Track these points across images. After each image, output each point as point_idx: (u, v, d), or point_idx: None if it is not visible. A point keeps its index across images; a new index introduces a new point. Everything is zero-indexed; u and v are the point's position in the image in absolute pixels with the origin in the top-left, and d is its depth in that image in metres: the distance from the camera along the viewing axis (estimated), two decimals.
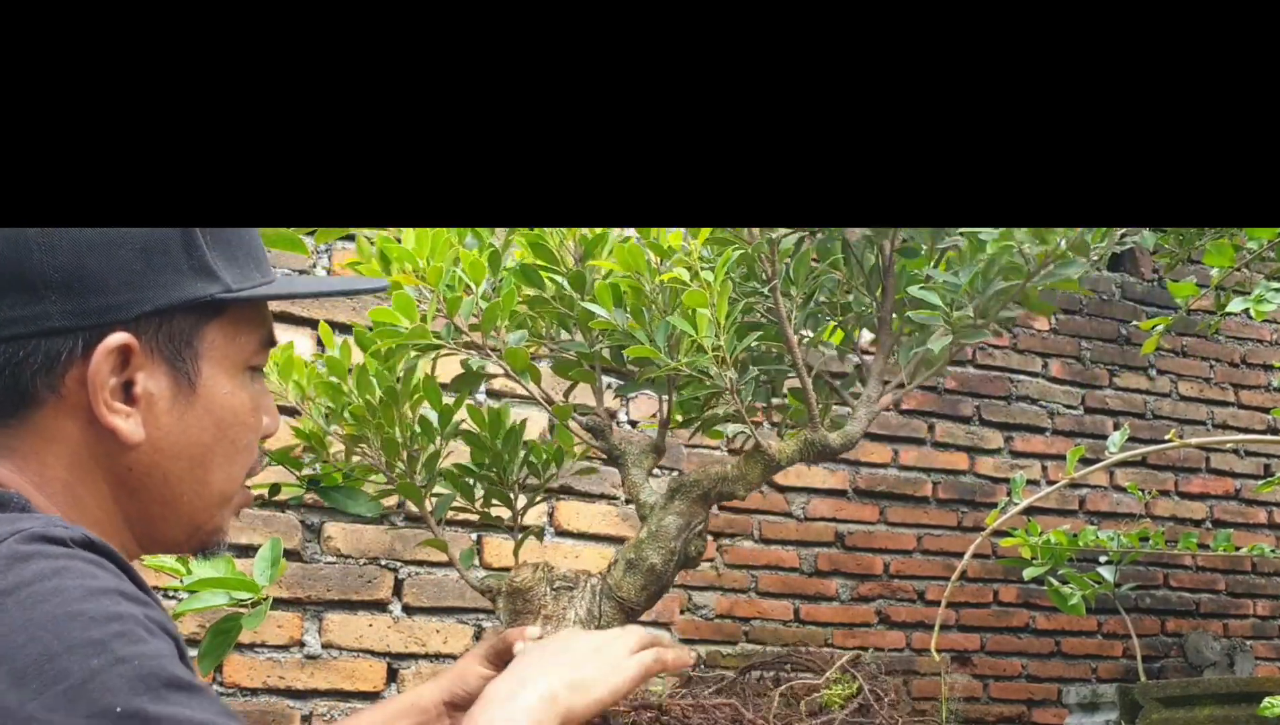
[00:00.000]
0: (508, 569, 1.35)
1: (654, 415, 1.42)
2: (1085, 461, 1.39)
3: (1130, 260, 3.72)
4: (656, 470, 2.71)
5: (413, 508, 2.43)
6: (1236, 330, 3.72)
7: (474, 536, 2.51)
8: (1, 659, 0.64)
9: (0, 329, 0.79)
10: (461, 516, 2.48)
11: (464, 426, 1.34)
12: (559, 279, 1.27)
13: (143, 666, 0.66)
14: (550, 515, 2.55)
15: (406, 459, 1.33)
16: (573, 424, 1.37)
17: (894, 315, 1.37)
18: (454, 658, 2.46)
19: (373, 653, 2.38)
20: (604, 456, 1.42)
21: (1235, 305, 1.29)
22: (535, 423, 2.48)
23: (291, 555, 2.30)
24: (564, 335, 1.35)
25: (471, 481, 1.39)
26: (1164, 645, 3.52)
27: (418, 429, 1.32)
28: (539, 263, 1.27)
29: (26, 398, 0.80)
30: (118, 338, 0.80)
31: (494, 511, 1.43)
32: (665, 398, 1.35)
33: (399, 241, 1.21)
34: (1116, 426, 3.46)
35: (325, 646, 2.33)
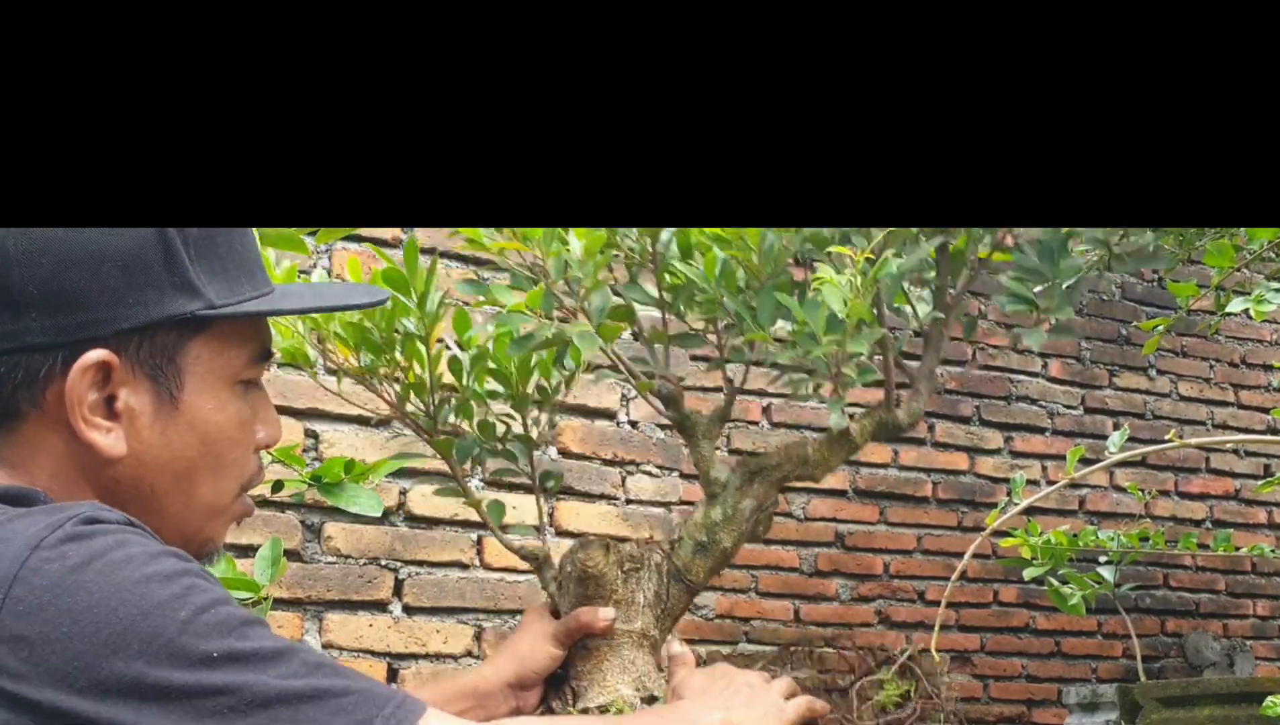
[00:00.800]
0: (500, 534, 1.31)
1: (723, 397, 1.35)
2: (1085, 461, 1.39)
3: None
4: (656, 469, 2.71)
5: (412, 508, 2.44)
6: (1236, 330, 3.72)
7: (474, 537, 2.51)
8: (98, 626, 0.70)
9: None
10: (463, 516, 2.48)
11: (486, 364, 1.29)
12: (643, 241, 1.21)
13: (220, 611, 0.73)
14: (550, 515, 2.55)
15: (435, 403, 1.27)
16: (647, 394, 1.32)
17: (954, 289, 1.32)
18: (454, 658, 2.46)
19: (373, 653, 2.38)
20: (670, 424, 1.37)
21: (1235, 305, 1.29)
22: None
23: (291, 555, 2.30)
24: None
25: (489, 418, 1.33)
26: (1164, 645, 3.52)
27: (440, 369, 1.26)
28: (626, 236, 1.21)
29: (10, 411, 0.82)
30: (94, 355, 0.81)
31: (509, 445, 1.36)
32: (743, 369, 1.30)
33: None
34: (1116, 426, 3.46)
35: (325, 646, 2.33)
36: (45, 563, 0.71)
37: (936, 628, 1.43)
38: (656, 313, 1.27)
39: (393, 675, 2.40)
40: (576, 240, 1.15)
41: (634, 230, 1.21)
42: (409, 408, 1.28)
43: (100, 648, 0.69)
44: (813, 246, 1.21)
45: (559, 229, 1.16)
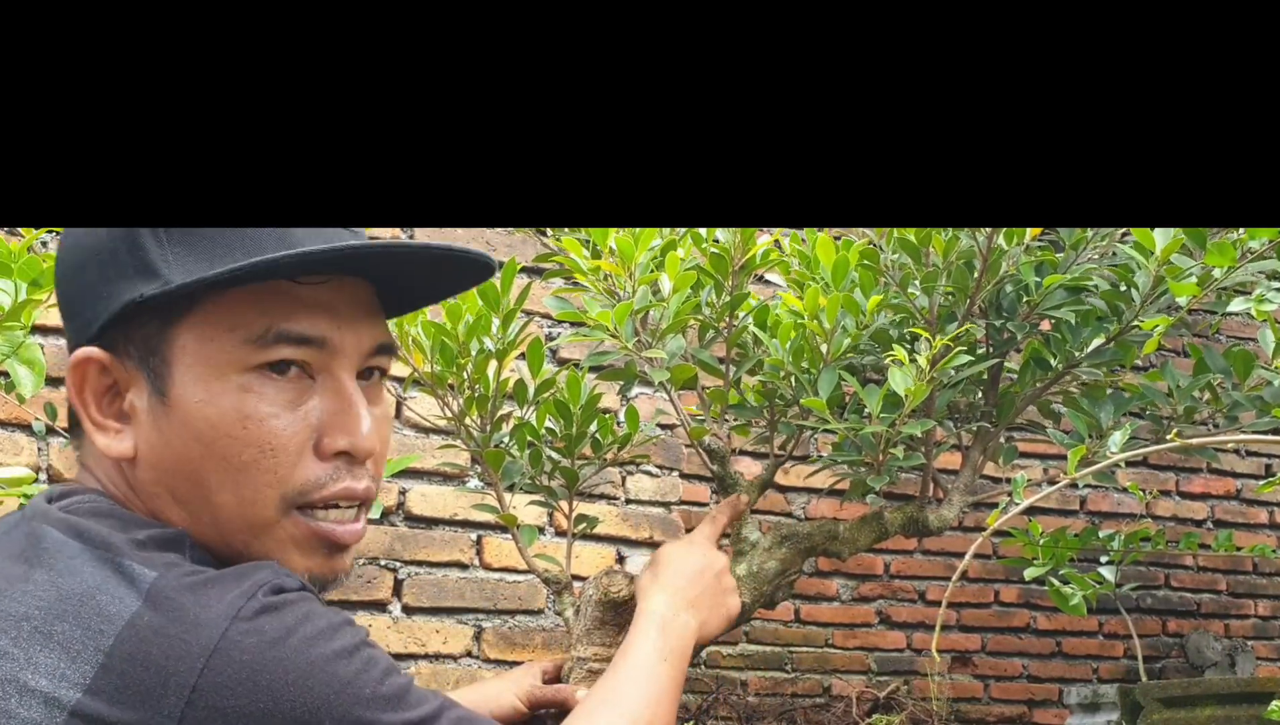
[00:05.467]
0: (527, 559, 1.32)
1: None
2: (1086, 462, 1.39)
3: None
4: (656, 469, 2.71)
5: (412, 508, 2.44)
6: (1237, 330, 3.72)
7: (473, 537, 2.51)
8: (293, 704, 0.73)
9: None
10: (462, 516, 2.48)
11: (552, 396, 1.31)
12: (723, 297, 1.27)
13: (391, 682, 0.78)
14: (550, 515, 2.55)
15: (493, 421, 1.30)
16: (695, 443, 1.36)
17: (996, 409, 1.42)
18: (453, 658, 2.46)
19: None
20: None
21: (1235, 305, 1.29)
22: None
23: None
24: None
25: (547, 446, 1.35)
26: (1165, 645, 3.51)
27: (505, 391, 1.28)
28: (713, 272, 1.26)
29: (76, 421, 0.84)
30: (77, 354, 0.81)
31: (553, 483, 1.39)
32: (780, 434, 1.36)
33: (587, 242, 1.23)
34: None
35: None
36: (244, 636, 0.73)
37: (937, 628, 1.43)
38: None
39: None
40: (668, 279, 1.19)
41: (716, 296, 1.26)
42: (466, 421, 1.30)
43: (295, 723, 0.73)
44: (877, 344, 1.27)
45: (655, 263, 1.20)
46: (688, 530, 3.01)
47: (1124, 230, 1.37)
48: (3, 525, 0.82)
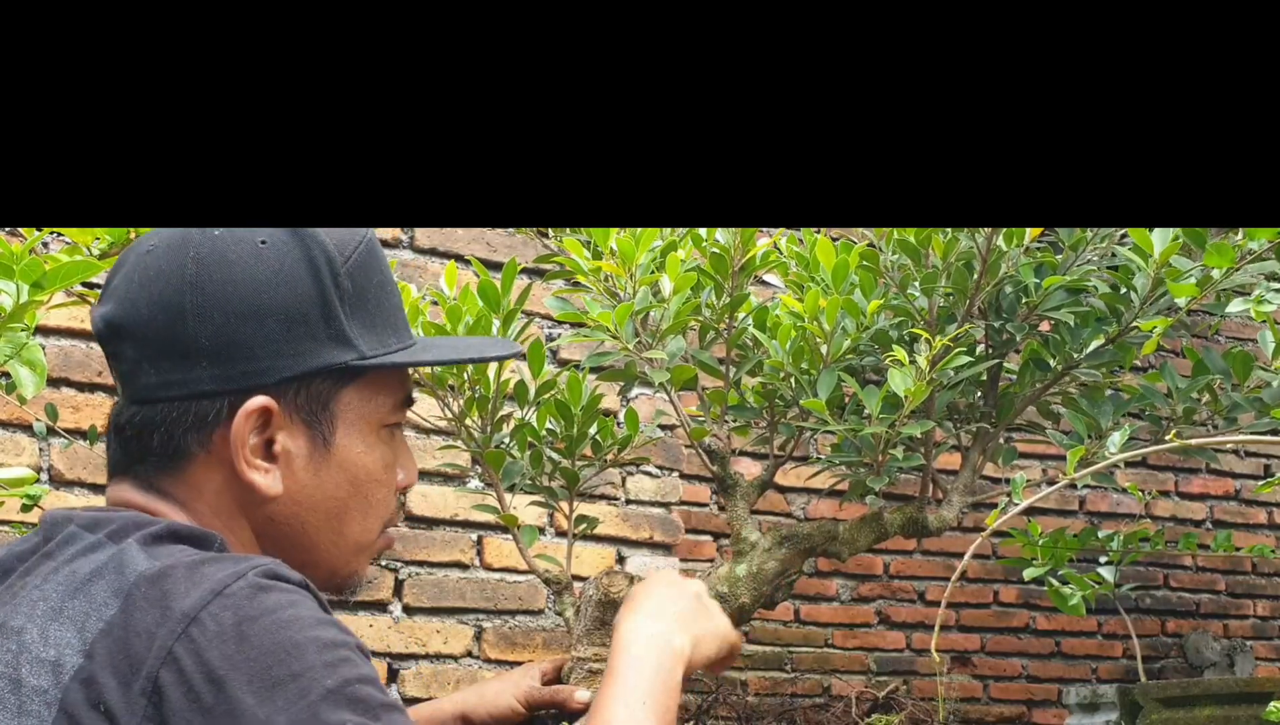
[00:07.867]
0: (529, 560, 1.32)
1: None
2: (1085, 462, 1.39)
3: None
4: (656, 470, 2.71)
5: (413, 508, 2.44)
6: (1237, 330, 3.72)
7: (474, 537, 2.51)
8: (250, 677, 0.74)
9: (157, 391, 0.87)
10: (463, 516, 2.48)
11: (553, 397, 1.32)
12: (724, 298, 1.27)
13: (362, 689, 0.77)
14: (550, 516, 2.55)
15: (493, 422, 1.31)
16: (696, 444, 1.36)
17: (995, 411, 1.42)
18: (454, 658, 2.46)
19: (373, 653, 2.38)
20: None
21: (1235, 305, 1.29)
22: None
23: None
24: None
25: (547, 447, 1.36)
26: (1164, 646, 3.51)
27: (505, 392, 1.29)
28: (713, 273, 1.26)
29: (180, 452, 0.88)
30: (257, 401, 0.87)
31: (554, 484, 1.39)
32: (780, 434, 1.36)
33: (588, 243, 1.23)
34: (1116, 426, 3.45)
35: None
36: (223, 609, 0.76)
37: (937, 628, 1.44)
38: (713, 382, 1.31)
39: (393, 676, 2.40)
40: (669, 280, 1.19)
41: (716, 297, 1.26)
42: (466, 422, 1.31)
43: (248, 695, 0.74)
44: (877, 345, 1.27)
45: (655, 264, 1.20)
46: (688, 531, 3.02)
47: (1122, 232, 1.37)
48: (24, 542, 0.88)
